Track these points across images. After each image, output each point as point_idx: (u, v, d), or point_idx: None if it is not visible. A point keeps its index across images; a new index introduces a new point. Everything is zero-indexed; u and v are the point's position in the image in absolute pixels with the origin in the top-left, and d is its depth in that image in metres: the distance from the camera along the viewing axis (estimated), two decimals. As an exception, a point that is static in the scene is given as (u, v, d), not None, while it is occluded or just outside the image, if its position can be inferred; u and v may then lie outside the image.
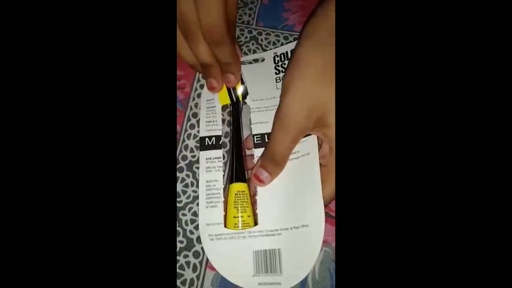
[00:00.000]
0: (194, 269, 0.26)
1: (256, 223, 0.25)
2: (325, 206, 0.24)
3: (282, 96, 0.25)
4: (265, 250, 0.24)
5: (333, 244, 0.26)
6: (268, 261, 0.24)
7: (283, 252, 0.24)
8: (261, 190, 0.26)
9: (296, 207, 0.24)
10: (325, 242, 0.26)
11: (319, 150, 0.25)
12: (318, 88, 0.24)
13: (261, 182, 0.25)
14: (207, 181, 0.27)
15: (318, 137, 0.26)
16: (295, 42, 0.28)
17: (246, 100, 0.30)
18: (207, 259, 0.26)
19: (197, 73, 0.32)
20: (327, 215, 0.23)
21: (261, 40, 0.33)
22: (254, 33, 0.34)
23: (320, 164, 0.25)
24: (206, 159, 0.27)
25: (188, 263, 0.26)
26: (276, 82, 0.29)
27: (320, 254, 0.25)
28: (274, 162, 0.25)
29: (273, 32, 0.34)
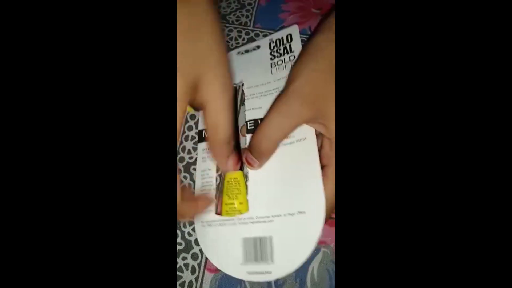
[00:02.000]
0: (193, 271, 0.26)
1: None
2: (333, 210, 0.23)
3: (289, 83, 0.25)
4: (255, 237, 0.23)
5: (332, 245, 0.25)
6: (258, 249, 0.23)
7: (275, 239, 0.23)
8: (252, 176, 0.25)
9: (291, 193, 0.23)
10: (324, 242, 0.26)
11: (319, 151, 0.25)
12: (328, 81, 0.23)
13: (251, 165, 0.25)
14: (202, 170, 0.27)
15: (317, 137, 0.26)
16: (289, 28, 0.28)
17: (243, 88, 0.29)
18: (206, 261, 0.26)
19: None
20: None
21: (259, 41, 0.33)
22: (252, 34, 0.34)
23: (323, 166, 0.24)
24: (202, 150, 0.28)
25: (186, 265, 0.26)
26: (271, 67, 0.29)
27: (319, 255, 0.25)
28: (267, 142, 0.24)
29: (270, 33, 0.34)
